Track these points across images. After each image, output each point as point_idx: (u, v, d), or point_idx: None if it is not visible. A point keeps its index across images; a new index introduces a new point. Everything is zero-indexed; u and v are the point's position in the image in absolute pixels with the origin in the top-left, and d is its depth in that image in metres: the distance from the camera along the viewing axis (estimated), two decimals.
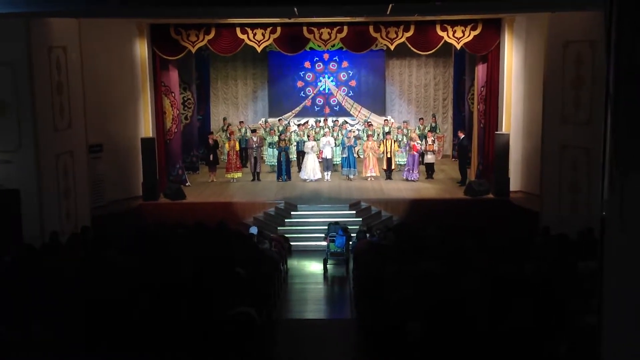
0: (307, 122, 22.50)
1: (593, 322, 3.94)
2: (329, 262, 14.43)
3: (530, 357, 6.96)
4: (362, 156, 20.38)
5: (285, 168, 19.96)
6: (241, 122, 22.73)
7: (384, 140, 20.17)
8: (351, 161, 19.93)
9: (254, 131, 21.07)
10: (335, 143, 20.62)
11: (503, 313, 7.65)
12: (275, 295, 11.43)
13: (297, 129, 21.59)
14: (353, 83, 23.94)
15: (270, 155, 20.99)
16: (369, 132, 21.22)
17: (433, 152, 20.04)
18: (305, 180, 19.64)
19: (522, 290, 8.48)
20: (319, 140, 20.67)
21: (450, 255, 10.37)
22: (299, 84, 24.09)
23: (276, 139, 20.58)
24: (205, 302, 8.44)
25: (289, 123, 22.56)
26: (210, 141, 20.44)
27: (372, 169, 19.72)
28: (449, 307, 7.93)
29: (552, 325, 7.29)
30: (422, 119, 22.77)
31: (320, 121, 22.57)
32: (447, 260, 10.10)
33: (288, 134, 21.40)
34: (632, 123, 3.31)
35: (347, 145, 19.90)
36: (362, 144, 20.46)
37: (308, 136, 20.77)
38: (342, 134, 21.11)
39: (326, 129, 21.42)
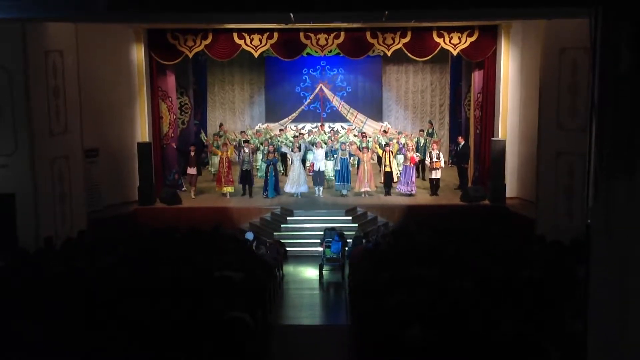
0: (301, 134, 21.47)
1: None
2: (325, 267, 14.40)
3: None
4: (355, 163, 19.05)
5: (273, 182, 18.32)
6: (242, 132, 21.17)
7: (383, 153, 18.73)
8: (345, 176, 18.50)
9: (246, 142, 19.53)
10: (327, 156, 18.91)
11: (497, 319, 7.65)
12: (270, 301, 11.41)
13: (293, 141, 19.91)
14: (344, 89, 23.98)
15: (261, 169, 19.27)
16: (363, 145, 19.50)
17: (439, 168, 18.47)
18: (291, 193, 18.33)
19: (516, 297, 8.49)
20: (311, 150, 19.25)
21: (445, 262, 10.38)
22: (296, 89, 24.10)
23: (266, 150, 19.07)
24: (200, 307, 8.43)
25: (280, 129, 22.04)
26: (192, 153, 18.80)
27: (366, 184, 18.32)
28: (444, 313, 7.93)
29: (546, 332, 7.29)
30: (422, 130, 21.21)
31: (316, 127, 22.54)
32: (442, 266, 10.11)
33: (277, 139, 20.41)
34: (616, 131, 3.33)
35: (341, 157, 18.43)
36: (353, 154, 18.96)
37: (301, 149, 19.06)
38: (336, 145, 19.20)
39: (318, 139, 19.86)
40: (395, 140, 19.67)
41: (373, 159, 19.40)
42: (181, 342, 7.48)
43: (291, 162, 18.78)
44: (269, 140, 20.05)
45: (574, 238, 11.68)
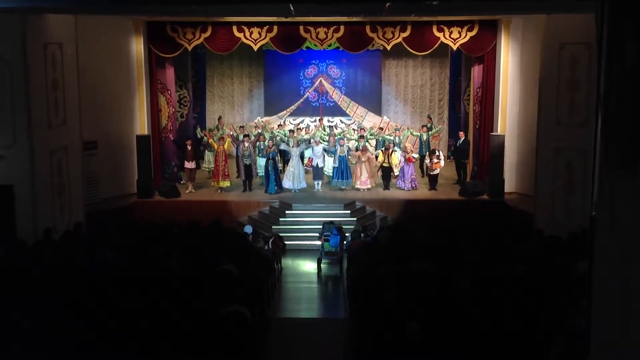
0: (299, 129, 20.83)
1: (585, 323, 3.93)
2: (323, 261, 14.42)
3: (523, 358, 6.97)
4: (353, 162, 18.71)
5: (274, 177, 18.15)
6: (241, 127, 20.79)
7: (383, 151, 18.57)
8: (344, 172, 18.33)
9: (246, 136, 19.27)
10: (326, 151, 18.80)
11: (495, 314, 7.66)
12: (268, 294, 11.44)
13: (289, 136, 19.38)
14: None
15: (260, 166, 19.00)
16: (362, 144, 19.04)
17: (438, 169, 18.38)
18: (289, 189, 18.21)
19: (514, 292, 8.51)
20: (309, 147, 19.12)
21: (443, 256, 10.40)
22: (295, 83, 24.04)
23: (263, 146, 18.91)
24: (199, 301, 8.44)
25: (281, 123, 21.79)
26: (189, 147, 18.52)
27: (365, 182, 18.34)
28: (442, 307, 7.95)
29: (545, 327, 7.30)
30: (425, 126, 20.73)
31: (315, 121, 22.50)
32: (440, 260, 10.12)
33: (274, 132, 20.08)
34: (621, 125, 3.32)
35: (340, 155, 18.30)
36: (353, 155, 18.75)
37: (299, 144, 18.97)
38: (335, 143, 18.78)
39: (317, 137, 19.35)
40: (393, 137, 19.50)
41: (372, 153, 19.17)
42: (180, 335, 7.49)
43: (288, 158, 18.61)
44: (265, 135, 19.73)
45: (571, 233, 11.70)
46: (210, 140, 18.97)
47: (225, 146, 18.44)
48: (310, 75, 23.91)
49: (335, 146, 18.62)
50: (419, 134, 20.21)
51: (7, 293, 8.53)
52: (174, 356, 7.30)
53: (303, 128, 21.10)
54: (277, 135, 19.56)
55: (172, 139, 19.37)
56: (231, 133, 19.86)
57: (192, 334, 7.53)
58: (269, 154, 18.25)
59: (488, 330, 7.28)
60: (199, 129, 19.66)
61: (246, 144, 18.63)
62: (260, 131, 20.12)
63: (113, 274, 9.52)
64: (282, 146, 18.90)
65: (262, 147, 19.07)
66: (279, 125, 21.26)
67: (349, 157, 18.61)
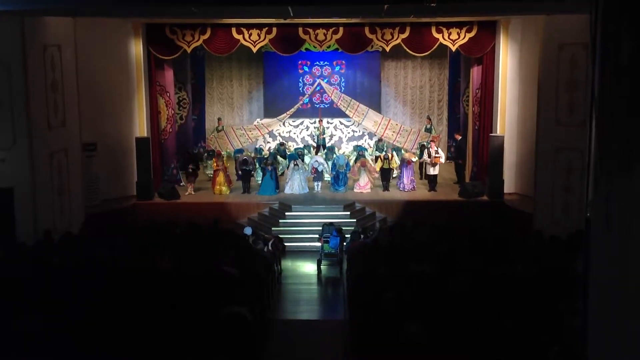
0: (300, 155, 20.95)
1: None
2: (323, 262, 14.42)
3: (522, 358, 6.98)
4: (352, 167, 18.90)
5: (274, 183, 18.47)
6: (244, 159, 20.03)
7: (382, 158, 18.77)
8: (342, 180, 18.60)
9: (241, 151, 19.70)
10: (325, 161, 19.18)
11: (494, 314, 7.67)
12: (268, 296, 11.44)
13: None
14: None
15: (259, 174, 19.35)
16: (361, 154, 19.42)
17: (438, 164, 18.42)
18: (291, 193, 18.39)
19: (513, 292, 8.51)
20: (309, 154, 19.55)
21: (443, 257, 10.40)
22: (294, 84, 24.03)
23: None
24: (199, 302, 8.45)
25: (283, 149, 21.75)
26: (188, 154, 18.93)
27: (364, 186, 18.51)
28: (442, 308, 7.96)
29: (544, 327, 7.31)
30: (426, 144, 19.89)
31: (315, 122, 22.51)
32: (440, 261, 10.13)
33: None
34: (616, 125, 3.33)
35: (338, 170, 18.57)
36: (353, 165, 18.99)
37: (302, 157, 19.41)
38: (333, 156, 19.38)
39: (313, 152, 19.76)
40: (391, 146, 19.62)
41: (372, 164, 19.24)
42: (180, 336, 7.50)
43: (293, 169, 18.70)
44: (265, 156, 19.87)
45: (571, 233, 11.71)
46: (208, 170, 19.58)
47: (225, 163, 18.70)
48: (309, 81, 23.84)
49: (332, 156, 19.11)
50: (420, 143, 20.09)
51: (6, 294, 8.53)
52: (174, 357, 7.30)
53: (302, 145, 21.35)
54: (280, 164, 19.76)
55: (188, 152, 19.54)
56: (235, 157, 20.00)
57: (192, 335, 7.54)
58: (267, 168, 18.51)
59: (487, 330, 7.28)
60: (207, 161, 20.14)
61: (244, 158, 18.92)
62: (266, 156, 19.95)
63: (112, 275, 9.53)
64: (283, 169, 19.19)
65: (262, 160, 19.25)
66: (281, 144, 21.20)
67: (349, 173, 18.80)
